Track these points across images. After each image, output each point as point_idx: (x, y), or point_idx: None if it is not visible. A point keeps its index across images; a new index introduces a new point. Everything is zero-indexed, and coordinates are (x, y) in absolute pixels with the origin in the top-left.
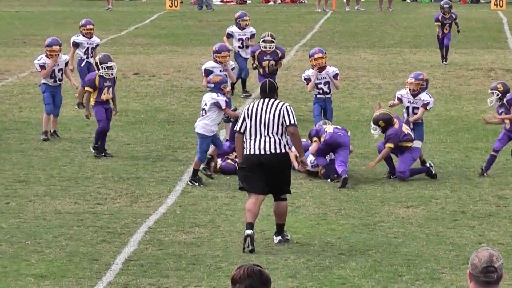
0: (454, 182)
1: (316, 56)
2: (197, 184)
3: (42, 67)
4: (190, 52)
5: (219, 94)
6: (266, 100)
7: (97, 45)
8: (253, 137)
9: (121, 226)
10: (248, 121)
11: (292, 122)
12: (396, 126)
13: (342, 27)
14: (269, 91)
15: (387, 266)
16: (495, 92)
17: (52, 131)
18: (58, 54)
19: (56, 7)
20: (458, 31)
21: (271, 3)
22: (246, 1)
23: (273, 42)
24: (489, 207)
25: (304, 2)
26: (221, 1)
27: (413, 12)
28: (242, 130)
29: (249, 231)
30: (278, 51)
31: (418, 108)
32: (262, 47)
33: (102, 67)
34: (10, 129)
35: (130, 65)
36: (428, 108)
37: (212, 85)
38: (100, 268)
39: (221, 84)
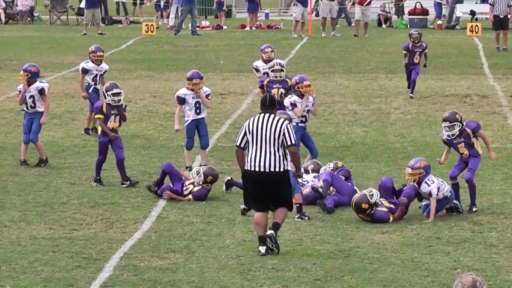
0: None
1: (306, 83)
2: (306, 218)
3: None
4: (166, 78)
5: None
6: (267, 115)
7: (105, 71)
8: (253, 153)
9: (96, 252)
10: (249, 136)
11: (293, 142)
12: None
13: (318, 52)
14: (269, 105)
15: None
16: (457, 124)
17: (22, 159)
18: (25, 80)
19: (32, 32)
20: (425, 65)
21: (247, 28)
22: (222, 27)
23: (283, 70)
24: (464, 233)
25: (280, 28)
26: (197, 27)
27: (389, 37)
28: (242, 145)
29: (262, 248)
30: (288, 80)
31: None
32: (272, 76)
33: (108, 94)
34: None
35: None
36: (434, 196)
37: None
38: None
39: None
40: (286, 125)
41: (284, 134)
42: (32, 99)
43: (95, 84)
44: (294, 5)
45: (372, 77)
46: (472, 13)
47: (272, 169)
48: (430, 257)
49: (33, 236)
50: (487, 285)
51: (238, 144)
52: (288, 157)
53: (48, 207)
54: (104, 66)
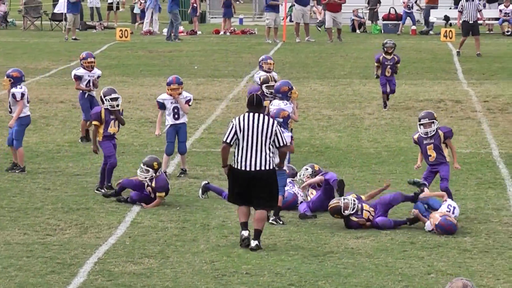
0: (404, 213)
1: (294, 89)
2: (281, 223)
3: None
4: (140, 83)
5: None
6: (256, 115)
7: (99, 76)
8: (244, 152)
9: (70, 257)
10: (239, 135)
11: (284, 143)
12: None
13: (292, 58)
14: (256, 105)
15: None
16: (435, 122)
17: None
18: (9, 86)
19: (6, 38)
20: (381, 72)
21: (222, 33)
22: (196, 32)
23: None
24: (438, 238)
25: (254, 33)
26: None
27: (363, 43)
28: (231, 142)
29: (245, 232)
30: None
31: None
32: (267, 92)
33: (106, 99)
34: None
35: None
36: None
37: (281, 120)
38: None
39: (288, 119)
40: (277, 126)
41: (276, 135)
42: (9, 104)
43: (89, 90)
44: (266, 11)
45: (346, 82)
46: (446, 18)
47: (262, 168)
48: (404, 262)
49: (7, 241)
50: None
51: (227, 141)
52: (275, 155)
53: (22, 212)
54: (97, 71)
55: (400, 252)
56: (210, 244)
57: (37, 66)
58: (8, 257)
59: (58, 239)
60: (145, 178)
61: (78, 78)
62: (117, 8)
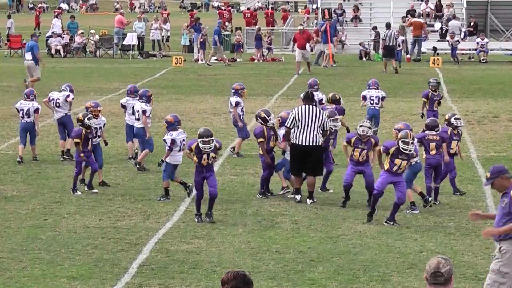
0: None
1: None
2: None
3: None
4: (191, 100)
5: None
6: (311, 107)
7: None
8: (301, 132)
9: (136, 238)
10: (297, 121)
11: (328, 128)
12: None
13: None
14: (311, 99)
15: (348, 270)
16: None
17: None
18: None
19: (85, 64)
20: (429, 107)
21: (256, 61)
22: (236, 60)
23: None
24: (428, 223)
25: (282, 60)
26: (216, 60)
27: (368, 68)
28: (291, 127)
29: (298, 197)
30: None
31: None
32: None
33: (270, 119)
34: (48, 161)
35: None
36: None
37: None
38: (119, 271)
39: None
40: (325, 116)
41: (324, 122)
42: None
43: (243, 114)
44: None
45: (355, 99)
46: (434, 49)
47: (314, 143)
48: (401, 242)
49: (86, 225)
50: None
51: (289, 126)
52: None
53: (98, 202)
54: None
55: (398, 235)
56: (247, 228)
57: (109, 87)
58: (87, 238)
59: (126, 223)
60: (209, 148)
61: (236, 104)
62: (167, 40)
